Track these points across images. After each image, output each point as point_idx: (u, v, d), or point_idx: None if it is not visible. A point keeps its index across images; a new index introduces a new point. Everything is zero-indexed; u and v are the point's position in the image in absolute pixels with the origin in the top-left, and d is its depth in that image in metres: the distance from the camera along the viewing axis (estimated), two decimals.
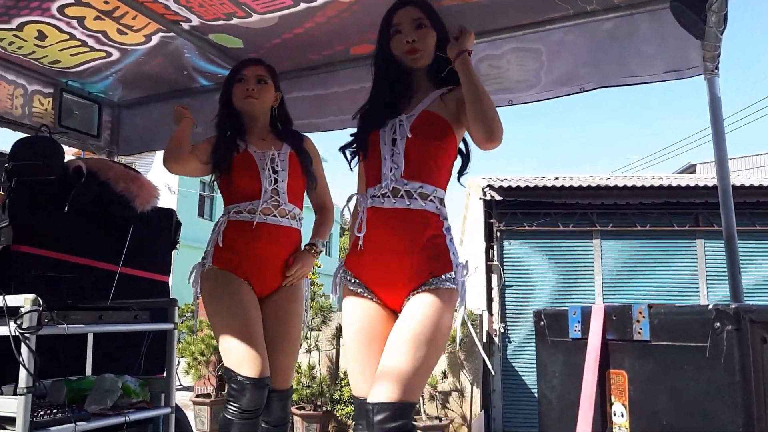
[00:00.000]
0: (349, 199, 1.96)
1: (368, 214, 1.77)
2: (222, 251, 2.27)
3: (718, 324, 0.88)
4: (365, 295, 1.79)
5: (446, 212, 1.79)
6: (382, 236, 1.75)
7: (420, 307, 1.63)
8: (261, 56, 2.50)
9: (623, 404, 1.05)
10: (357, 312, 1.80)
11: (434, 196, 1.76)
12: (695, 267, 7.49)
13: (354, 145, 1.92)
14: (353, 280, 1.82)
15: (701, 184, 7.39)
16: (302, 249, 2.42)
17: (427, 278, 1.66)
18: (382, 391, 1.51)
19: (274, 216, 2.29)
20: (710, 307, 0.90)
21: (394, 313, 1.75)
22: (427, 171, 1.77)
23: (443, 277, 1.67)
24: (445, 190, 1.81)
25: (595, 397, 1.07)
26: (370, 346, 1.73)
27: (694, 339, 0.91)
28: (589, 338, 1.09)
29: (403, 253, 1.71)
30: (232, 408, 2.10)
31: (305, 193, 2.49)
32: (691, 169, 15.83)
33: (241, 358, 2.10)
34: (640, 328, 1.01)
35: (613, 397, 1.07)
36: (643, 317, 1.01)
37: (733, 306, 0.87)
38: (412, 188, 1.74)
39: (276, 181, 2.30)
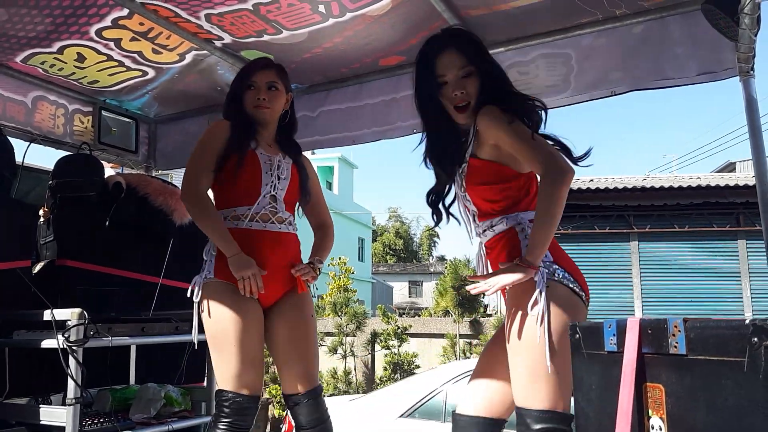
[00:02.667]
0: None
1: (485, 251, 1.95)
2: (221, 262, 2.13)
3: (755, 339, 0.87)
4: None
5: (525, 225, 1.81)
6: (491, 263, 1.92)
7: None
8: (290, 71, 2.48)
9: (661, 417, 1.04)
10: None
11: (504, 220, 1.84)
12: (737, 268, 7.30)
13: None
14: None
15: (741, 183, 7.20)
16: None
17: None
18: None
19: (273, 223, 2.19)
20: (747, 321, 0.89)
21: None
22: (490, 207, 1.87)
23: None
24: (519, 210, 1.84)
25: (633, 410, 1.07)
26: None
27: (731, 354, 0.90)
28: (625, 352, 1.09)
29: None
30: (231, 429, 2.04)
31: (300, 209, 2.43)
32: (730, 167, 15.41)
33: (244, 379, 2.06)
34: (676, 342, 1.00)
35: (650, 411, 1.06)
36: (679, 331, 1.00)
37: None
38: (484, 227, 1.90)
39: (275, 187, 2.22)
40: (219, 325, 2.09)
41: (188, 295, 2.19)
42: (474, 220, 1.93)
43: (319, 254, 2.38)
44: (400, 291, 35.23)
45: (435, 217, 2.04)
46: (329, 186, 28.02)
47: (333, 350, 6.49)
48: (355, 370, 6.51)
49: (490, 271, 1.89)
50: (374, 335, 6.65)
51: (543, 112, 1.89)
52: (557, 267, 1.75)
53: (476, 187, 1.88)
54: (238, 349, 2.06)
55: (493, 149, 1.84)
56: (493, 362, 1.87)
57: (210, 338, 2.13)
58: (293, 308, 2.23)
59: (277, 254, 2.19)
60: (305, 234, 2.26)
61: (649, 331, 1.06)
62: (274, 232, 2.19)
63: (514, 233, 1.82)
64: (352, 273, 7.19)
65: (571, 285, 1.73)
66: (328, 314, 6.84)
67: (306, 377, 2.18)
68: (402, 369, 6.24)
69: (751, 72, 2.16)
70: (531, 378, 1.64)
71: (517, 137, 1.75)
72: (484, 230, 1.89)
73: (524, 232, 1.79)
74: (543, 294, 1.66)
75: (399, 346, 6.37)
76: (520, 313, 1.70)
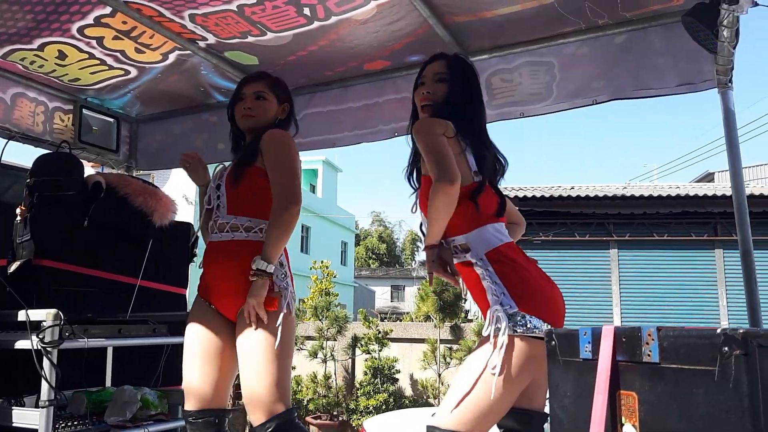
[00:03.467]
0: None
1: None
2: (201, 275, 2.15)
3: (726, 349, 0.88)
4: None
5: (482, 267, 1.80)
6: None
7: None
8: (276, 73, 2.48)
9: (633, 425, 1.05)
10: None
11: (462, 254, 1.84)
12: (714, 277, 7.40)
13: None
14: None
15: (719, 194, 7.32)
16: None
17: None
18: None
19: (215, 233, 2.10)
20: (718, 331, 0.90)
21: None
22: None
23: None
24: (468, 230, 1.84)
25: (606, 417, 1.08)
26: None
27: (702, 363, 0.92)
28: (599, 359, 1.10)
29: None
30: None
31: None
32: (708, 177, 15.65)
33: (186, 391, 2.04)
34: (650, 351, 1.02)
35: (623, 418, 1.07)
36: (653, 340, 1.01)
37: (741, 331, 0.88)
38: (446, 243, 1.86)
39: (218, 197, 2.13)
40: (185, 336, 2.11)
41: (278, 307, 1.98)
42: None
43: (263, 248, 1.96)
44: (382, 295, 35.21)
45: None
46: (313, 189, 27.93)
47: (313, 354, 6.46)
48: (335, 374, 6.49)
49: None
50: (355, 339, 6.63)
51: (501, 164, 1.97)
52: (524, 317, 1.69)
53: (424, 204, 1.86)
54: (188, 358, 2.07)
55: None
56: None
57: None
58: (242, 325, 2.00)
59: (218, 267, 2.07)
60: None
61: (624, 339, 1.08)
62: (215, 243, 2.09)
63: (476, 277, 1.82)
64: (335, 277, 7.17)
65: (531, 334, 1.68)
66: (309, 318, 6.81)
67: (249, 406, 1.94)
68: (382, 374, 6.23)
69: (729, 84, 2.20)
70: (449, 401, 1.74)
71: (427, 147, 1.80)
72: (447, 246, 1.89)
73: (485, 279, 1.80)
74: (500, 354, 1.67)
75: (380, 350, 6.37)
76: (469, 359, 1.78)
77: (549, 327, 1.66)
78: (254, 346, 1.95)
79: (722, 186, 8.24)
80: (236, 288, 1.99)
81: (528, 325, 1.67)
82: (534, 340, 1.67)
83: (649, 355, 1.01)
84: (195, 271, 3.44)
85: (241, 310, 1.98)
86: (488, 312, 1.72)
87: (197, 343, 2.06)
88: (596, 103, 2.48)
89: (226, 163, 2.22)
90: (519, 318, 1.68)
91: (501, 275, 1.73)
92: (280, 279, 2.03)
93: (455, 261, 1.83)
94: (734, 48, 2.07)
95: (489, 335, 1.71)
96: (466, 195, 1.80)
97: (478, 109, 1.99)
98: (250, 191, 2.07)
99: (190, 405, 2.03)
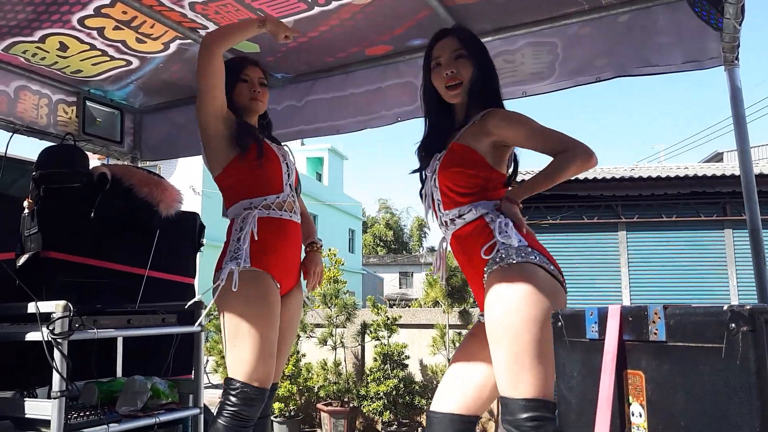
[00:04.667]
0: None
1: (451, 243, 1.94)
2: (258, 251, 2.12)
3: (733, 325, 0.87)
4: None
5: (491, 212, 1.82)
6: (462, 266, 1.93)
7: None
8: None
9: (641, 404, 1.05)
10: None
11: (473, 211, 1.83)
12: (724, 257, 7.37)
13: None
14: None
15: (728, 173, 7.26)
16: (308, 248, 2.46)
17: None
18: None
19: (294, 213, 2.27)
20: (725, 308, 0.89)
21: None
22: (458, 196, 1.86)
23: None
24: (487, 199, 1.84)
25: (613, 397, 1.07)
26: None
27: (709, 340, 0.91)
28: (606, 339, 1.09)
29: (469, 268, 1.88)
30: (236, 418, 2.03)
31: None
32: (717, 157, 15.53)
33: (258, 371, 2.06)
34: (656, 329, 1.01)
35: (631, 398, 1.07)
36: (659, 318, 1.00)
37: (748, 307, 0.87)
38: (450, 216, 1.87)
39: (290, 176, 2.30)
40: (244, 316, 2.07)
41: (218, 282, 2.11)
42: (439, 209, 1.91)
43: (314, 237, 2.49)
44: (390, 282, 35.30)
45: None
46: (319, 177, 27.95)
47: (323, 342, 6.49)
48: (345, 361, 6.52)
49: (445, 264, 2.01)
50: (364, 326, 6.65)
51: None
52: (535, 251, 1.73)
53: (447, 171, 1.87)
54: (258, 342, 2.06)
55: (489, 145, 1.86)
56: (468, 359, 1.87)
57: (232, 327, 2.09)
58: (294, 305, 2.33)
59: (296, 246, 2.29)
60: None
61: (630, 319, 1.07)
62: (294, 223, 2.26)
63: (483, 223, 1.80)
64: (343, 264, 7.17)
65: (550, 269, 1.71)
66: (318, 306, 6.84)
67: (276, 374, 2.23)
68: (392, 360, 6.25)
69: (736, 62, 2.17)
70: (515, 367, 1.62)
71: (536, 126, 1.83)
72: (452, 219, 1.87)
73: (494, 221, 1.78)
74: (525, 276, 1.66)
75: (389, 336, 6.38)
76: (499, 301, 1.68)
77: (557, 272, 1.73)
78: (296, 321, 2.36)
79: (731, 166, 8.17)
80: (298, 267, 2.34)
81: (543, 260, 1.71)
82: (549, 275, 1.70)
83: (655, 334, 1.01)
84: (202, 261, 3.46)
85: (294, 289, 2.31)
86: (498, 244, 1.74)
87: (275, 328, 2.13)
88: (599, 80, 2.45)
89: (269, 142, 2.31)
90: (534, 251, 1.72)
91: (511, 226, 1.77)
92: None
93: (468, 227, 1.84)
94: (740, 25, 2.03)
95: (495, 269, 1.71)
96: (502, 183, 1.90)
97: (499, 85, 2.02)
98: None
99: (263, 384, 2.07)
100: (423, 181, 2.02)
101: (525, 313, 1.62)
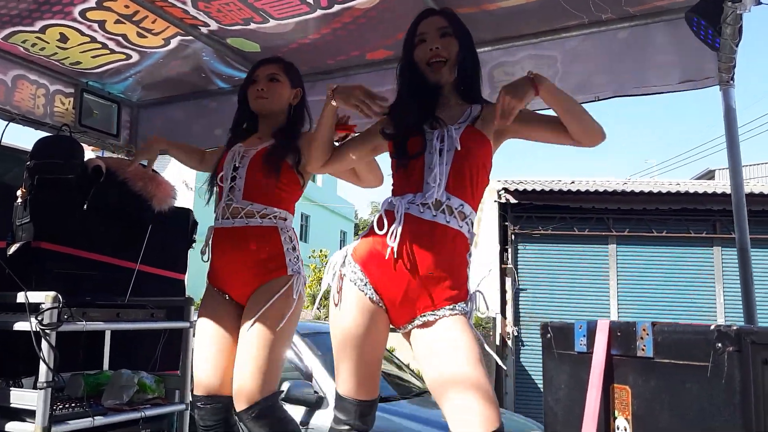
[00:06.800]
0: (385, 203, 1.80)
1: (404, 223, 1.67)
2: (210, 262, 2.18)
3: (719, 345, 0.89)
4: (373, 300, 1.70)
5: (471, 237, 1.73)
6: (414, 251, 1.66)
7: (454, 334, 1.55)
8: None
9: (626, 419, 1.06)
10: (356, 312, 1.71)
11: (470, 219, 1.72)
12: (712, 274, 7.43)
13: (396, 149, 1.80)
14: (364, 280, 1.71)
15: (719, 191, 7.32)
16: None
17: (443, 305, 1.61)
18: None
19: (226, 218, 2.11)
20: (712, 327, 0.91)
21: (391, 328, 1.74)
22: (468, 189, 1.71)
23: (458, 307, 1.61)
24: (474, 208, 1.73)
25: (599, 410, 1.09)
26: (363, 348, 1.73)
27: (696, 358, 0.93)
28: (594, 353, 1.11)
29: (430, 275, 1.64)
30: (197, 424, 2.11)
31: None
32: (709, 175, 15.65)
33: (195, 379, 2.09)
34: (644, 345, 1.02)
35: (617, 412, 1.08)
36: (647, 334, 1.02)
37: (735, 327, 0.88)
38: (454, 205, 1.68)
39: (234, 178, 2.12)
40: (198, 325, 2.17)
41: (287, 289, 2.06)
42: (437, 187, 1.67)
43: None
44: None
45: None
46: (313, 178, 27.89)
47: None
48: None
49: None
50: None
51: None
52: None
53: (468, 151, 1.71)
54: (201, 346, 2.12)
55: (494, 140, 1.79)
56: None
57: None
58: (250, 306, 2.05)
59: (229, 254, 2.10)
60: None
61: (619, 334, 1.08)
62: (223, 229, 2.11)
63: (465, 244, 1.70)
64: None
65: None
66: (307, 306, 6.83)
67: (245, 388, 1.96)
68: None
69: (731, 82, 2.20)
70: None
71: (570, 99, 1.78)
72: (449, 207, 1.67)
73: (470, 255, 1.71)
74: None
75: None
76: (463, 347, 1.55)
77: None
78: (255, 332, 1.97)
79: (722, 184, 8.24)
80: (251, 274, 2.06)
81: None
82: None
83: (643, 350, 1.02)
84: (194, 257, 3.45)
85: (253, 295, 2.05)
86: (469, 288, 1.65)
87: (208, 334, 2.09)
88: (598, 99, 2.48)
89: (240, 145, 2.20)
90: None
91: None
92: (293, 263, 2.07)
93: (452, 226, 1.67)
94: (737, 46, 2.07)
95: (459, 314, 1.59)
96: (487, 179, 1.81)
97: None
98: (273, 184, 2.10)
99: (198, 391, 2.07)
100: (402, 144, 1.78)
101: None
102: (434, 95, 1.85)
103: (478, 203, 1.77)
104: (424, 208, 1.66)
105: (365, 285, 1.71)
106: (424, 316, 1.62)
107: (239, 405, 1.94)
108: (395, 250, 1.64)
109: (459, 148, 1.69)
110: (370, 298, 1.70)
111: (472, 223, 1.73)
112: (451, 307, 1.59)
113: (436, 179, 1.66)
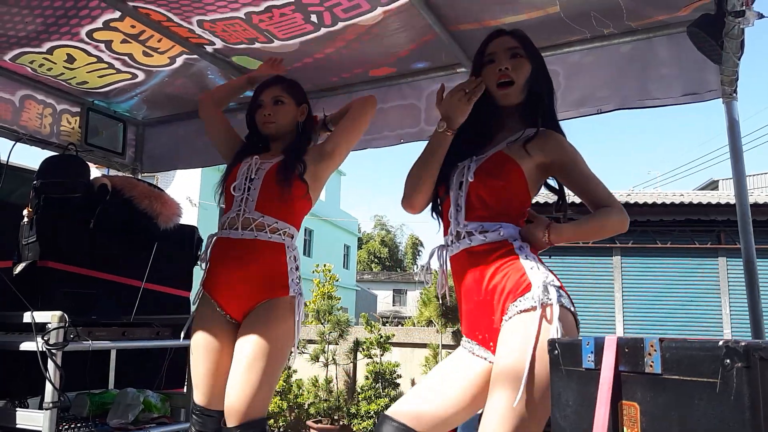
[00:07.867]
0: (431, 254, 1.83)
1: (451, 265, 1.74)
2: (207, 271, 2.14)
3: (728, 361, 0.89)
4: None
5: (519, 240, 1.67)
6: (462, 284, 1.70)
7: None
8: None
9: None
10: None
11: (501, 233, 1.66)
12: (717, 285, 7.39)
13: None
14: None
15: (723, 201, 7.31)
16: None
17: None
18: None
19: (235, 229, 2.07)
20: (720, 343, 0.91)
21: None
22: (487, 212, 1.69)
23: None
24: (515, 224, 1.69)
25: (608, 428, 1.08)
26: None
27: (704, 375, 0.92)
28: (602, 369, 1.10)
29: (476, 295, 1.66)
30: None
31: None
32: (713, 185, 15.64)
33: (194, 388, 2.09)
34: (652, 362, 1.02)
35: (625, 429, 1.08)
36: (655, 350, 1.02)
37: (743, 343, 0.88)
38: (473, 228, 1.68)
39: (249, 189, 2.10)
40: (193, 334, 2.14)
41: (288, 312, 2.06)
42: (458, 217, 1.71)
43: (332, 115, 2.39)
44: (384, 299, 35.20)
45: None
46: None
47: (315, 358, 6.46)
48: (336, 378, 6.49)
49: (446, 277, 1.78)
50: (357, 344, 6.63)
51: None
52: (562, 292, 1.57)
53: (486, 180, 1.69)
54: (194, 357, 2.11)
55: (535, 167, 1.72)
56: (452, 382, 1.67)
57: None
58: (248, 325, 2.02)
59: (232, 266, 2.07)
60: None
61: (626, 350, 1.08)
62: (231, 240, 2.07)
63: (508, 248, 1.64)
64: (337, 280, 7.17)
65: (573, 311, 1.59)
66: (311, 321, 6.82)
67: (235, 406, 1.92)
68: (384, 378, 6.23)
69: (734, 95, 2.21)
70: (522, 417, 1.44)
71: (587, 168, 1.72)
72: (471, 232, 1.67)
73: (522, 250, 1.63)
74: (559, 328, 1.48)
75: (381, 355, 6.36)
76: (519, 343, 1.50)
77: (552, 338, 1.56)
78: (252, 351, 1.96)
79: (726, 194, 8.22)
80: (252, 290, 2.04)
81: (568, 302, 1.57)
82: (574, 322, 1.57)
83: (651, 366, 1.02)
84: (199, 274, 3.45)
85: (251, 313, 2.03)
86: (531, 281, 1.56)
87: (202, 348, 2.08)
88: (601, 112, 2.49)
89: (256, 158, 2.19)
90: (561, 291, 1.57)
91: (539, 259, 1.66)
92: (295, 283, 2.07)
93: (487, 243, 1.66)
94: (739, 59, 2.08)
95: (527, 309, 1.52)
96: (524, 195, 1.75)
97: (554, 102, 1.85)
98: (287, 197, 2.10)
99: (198, 400, 2.07)
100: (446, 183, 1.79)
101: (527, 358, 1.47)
102: (497, 119, 1.81)
103: (505, 205, 1.71)
104: (453, 245, 1.73)
105: None
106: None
107: (229, 422, 1.94)
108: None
109: (471, 180, 1.70)
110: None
111: (510, 232, 1.67)
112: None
113: (454, 212, 1.73)
